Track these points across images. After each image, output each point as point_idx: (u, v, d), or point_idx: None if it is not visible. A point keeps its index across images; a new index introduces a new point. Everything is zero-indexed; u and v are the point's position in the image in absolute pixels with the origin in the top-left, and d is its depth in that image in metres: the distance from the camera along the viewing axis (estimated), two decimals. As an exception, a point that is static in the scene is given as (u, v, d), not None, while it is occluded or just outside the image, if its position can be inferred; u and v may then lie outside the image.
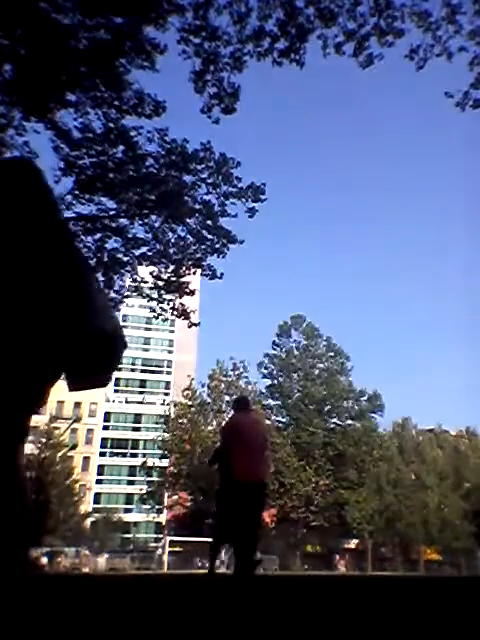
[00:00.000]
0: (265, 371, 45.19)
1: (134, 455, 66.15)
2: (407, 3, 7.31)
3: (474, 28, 7.42)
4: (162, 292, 13.36)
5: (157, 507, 43.31)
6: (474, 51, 7.68)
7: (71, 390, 1.53)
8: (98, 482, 65.03)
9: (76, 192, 11.88)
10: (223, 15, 7.66)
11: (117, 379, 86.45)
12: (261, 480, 5.51)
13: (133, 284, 13.88)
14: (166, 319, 14.12)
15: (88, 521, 49.27)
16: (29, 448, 41.48)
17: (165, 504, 43.38)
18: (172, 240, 12.78)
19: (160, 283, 13.27)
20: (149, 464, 40.96)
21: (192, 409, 39.40)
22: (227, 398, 40.10)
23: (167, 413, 41.70)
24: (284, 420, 44.32)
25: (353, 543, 48.59)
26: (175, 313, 13.63)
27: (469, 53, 7.70)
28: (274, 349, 46.03)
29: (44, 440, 38.93)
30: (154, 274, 13.34)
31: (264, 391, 44.21)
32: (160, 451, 41.79)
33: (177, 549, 42.95)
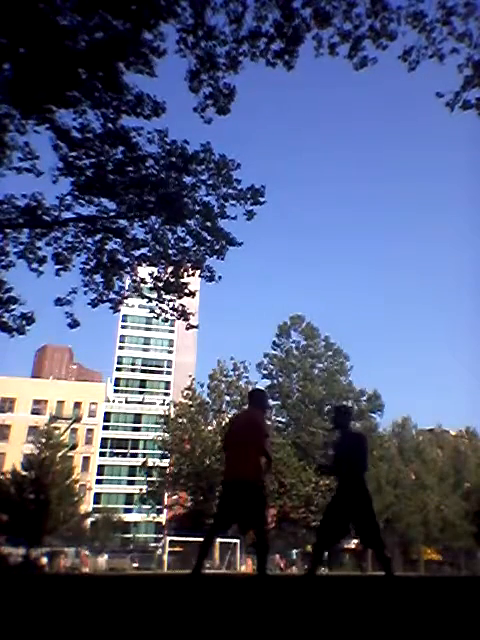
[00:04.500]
0: (265, 371, 45.23)
1: (134, 455, 66.11)
2: (403, 5, 7.34)
3: (465, 30, 7.44)
4: (162, 293, 13.38)
5: (157, 507, 43.34)
6: (467, 53, 7.70)
7: None
8: (98, 482, 65.00)
9: (76, 193, 11.91)
10: (220, 14, 7.68)
11: (117, 379, 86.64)
12: (242, 478, 5.27)
13: (133, 285, 13.90)
14: (166, 320, 14.14)
15: (88, 521, 49.25)
16: (29, 448, 41.61)
17: (165, 504, 43.40)
18: (171, 241, 12.81)
19: (160, 284, 13.29)
20: (149, 464, 40.94)
21: (192, 409, 39.39)
22: (227, 398, 40.11)
23: (167, 413, 41.70)
24: (284, 420, 44.32)
25: (353, 543, 48.56)
26: (175, 314, 13.64)
27: (461, 55, 7.72)
28: (274, 349, 46.06)
29: (44, 440, 38.96)
30: (154, 275, 13.36)
31: (264, 391, 44.22)
32: (160, 451, 41.78)
33: (177, 549, 42.95)
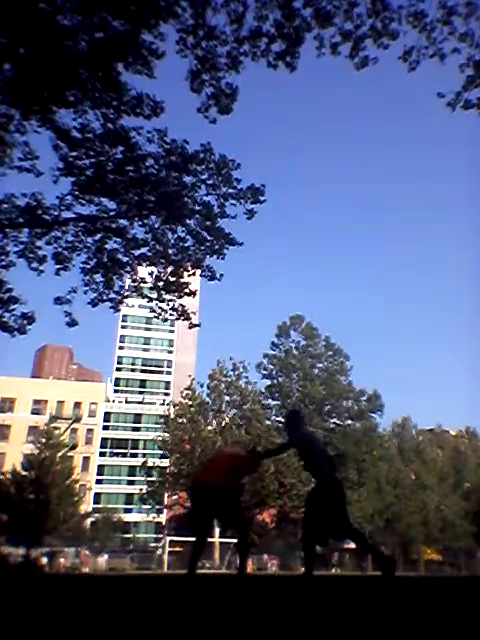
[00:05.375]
0: (264, 371, 45.20)
1: (134, 455, 66.03)
2: (404, 4, 7.33)
3: (466, 30, 7.43)
4: (162, 292, 13.38)
5: (157, 507, 43.31)
6: (468, 53, 7.70)
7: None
8: (98, 482, 64.94)
9: (76, 193, 11.91)
10: (220, 14, 7.68)
11: (117, 379, 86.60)
12: (201, 483, 5.67)
13: (133, 284, 13.90)
14: (166, 319, 14.12)
15: (88, 521, 49.22)
16: (29, 448, 41.60)
17: (165, 504, 43.41)
18: (172, 241, 12.80)
19: (160, 284, 13.29)
20: (149, 464, 40.93)
21: (192, 409, 39.37)
22: (227, 398, 40.08)
23: (167, 413, 41.69)
24: (284, 420, 44.28)
25: (353, 543, 48.56)
26: (175, 314, 13.64)
27: (462, 55, 7.72)
28: (273, 349, 46.03)
29: (44, 440, 38.94)
30: (154, 275, 13.36)
31: (264, 391, 44.23)
32: (160, 451, 41.77)
33: (177, 549, 42.98)
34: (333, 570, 41.63)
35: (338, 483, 5.73)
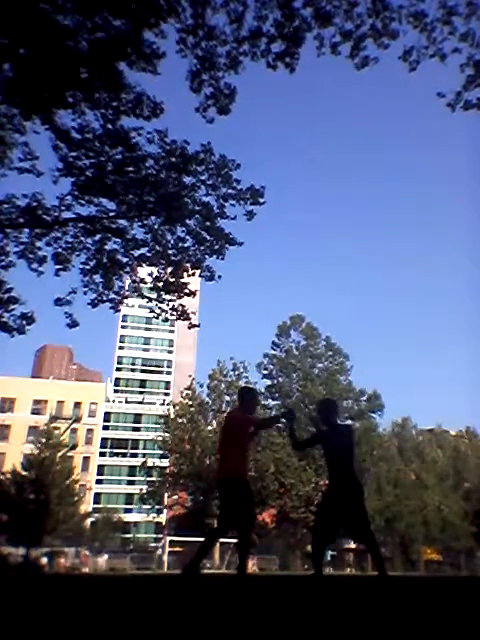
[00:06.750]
0: (265, 371, 45.17)
1: (134, 455, 66.09)
2: (404, 4, 7.33)
3: (467, 30, 7.43)
4: (162, 293, 13.37)
5: (157, 507, 43.32)
6: (468, 53, 7.70)
7: None
8: (98, 482, 64.98)
9: (75, 193, 11.90)
10: (220, 14, 7.67)
11: (117, 379, 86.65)
12: (220, 477, 5.56)
13: (133, 285, 13.90)
14: (166, 319, 14.12)
15: (88, 521, 49.22)
16: (29, 448, 41.60)
17: (165, 504, 43.43)
18: (171, 241, 12.79)
19: (159, 284, 13.28)
20: (149, 464, 40.93)
21: (192, 409, 39.36)
22: (227, 398, 40.06)
23: (167, 413, 41.68)
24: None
25: (353, 543, 48.57)
26: (175, 314, 13.63)
27: (462, 55, 7.72)
28: (273, 349, 46.00)
29: (44, 440, 38.94)
30: (153, 275, 13.35)
31: (264, 391, 44.20)
32: (160, 451, 41.76)
33: (177, 549, 42.95)
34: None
35: (358, 483, 5.43)
